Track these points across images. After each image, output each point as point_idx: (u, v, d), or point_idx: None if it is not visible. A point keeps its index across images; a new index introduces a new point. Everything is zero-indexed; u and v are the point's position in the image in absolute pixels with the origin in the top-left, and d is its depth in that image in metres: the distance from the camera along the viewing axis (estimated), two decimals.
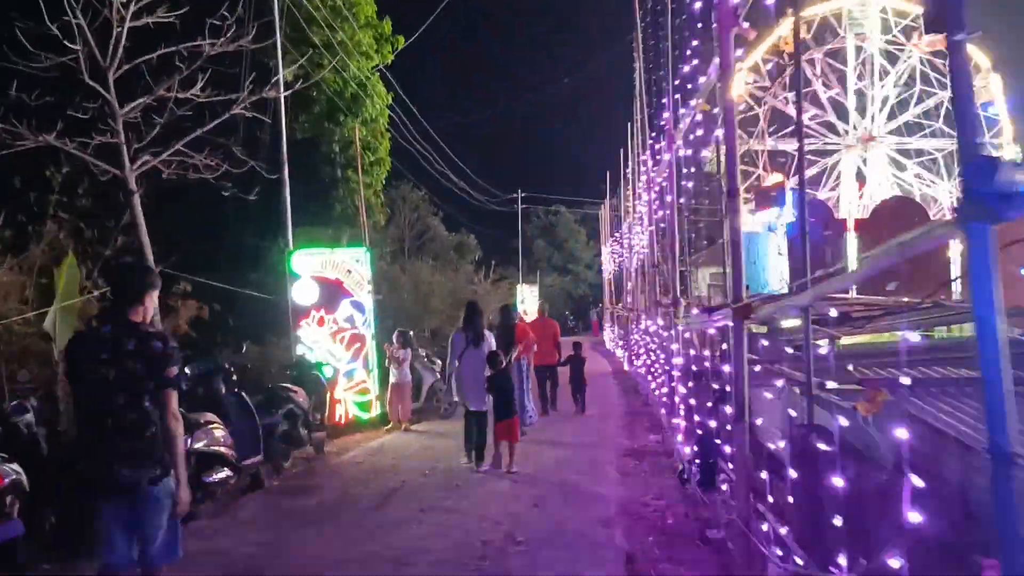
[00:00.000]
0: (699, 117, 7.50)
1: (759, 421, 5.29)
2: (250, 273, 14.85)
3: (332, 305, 12.93)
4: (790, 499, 4.20)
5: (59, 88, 9.64)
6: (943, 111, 21.43)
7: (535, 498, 7.92)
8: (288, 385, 9.87)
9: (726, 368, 5.45)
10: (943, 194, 22.04)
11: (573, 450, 10.64)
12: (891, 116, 22.78)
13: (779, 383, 5.01)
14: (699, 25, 7.02)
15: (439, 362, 14.97)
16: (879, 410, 3.74)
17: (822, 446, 3.70)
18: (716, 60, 5.63)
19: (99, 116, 9.88)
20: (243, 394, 8.36)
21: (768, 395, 5.13)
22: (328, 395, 11.50)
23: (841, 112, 22.73)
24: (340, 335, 12.96)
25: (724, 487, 6.15)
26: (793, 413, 4.36)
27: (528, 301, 36.73)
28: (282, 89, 12.60)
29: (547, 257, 54.07)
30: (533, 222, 55.44)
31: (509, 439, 9.01)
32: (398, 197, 36.25)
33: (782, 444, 4.55)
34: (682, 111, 8.30)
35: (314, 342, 12.71)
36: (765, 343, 5.73)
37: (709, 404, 6.58)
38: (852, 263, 11.07)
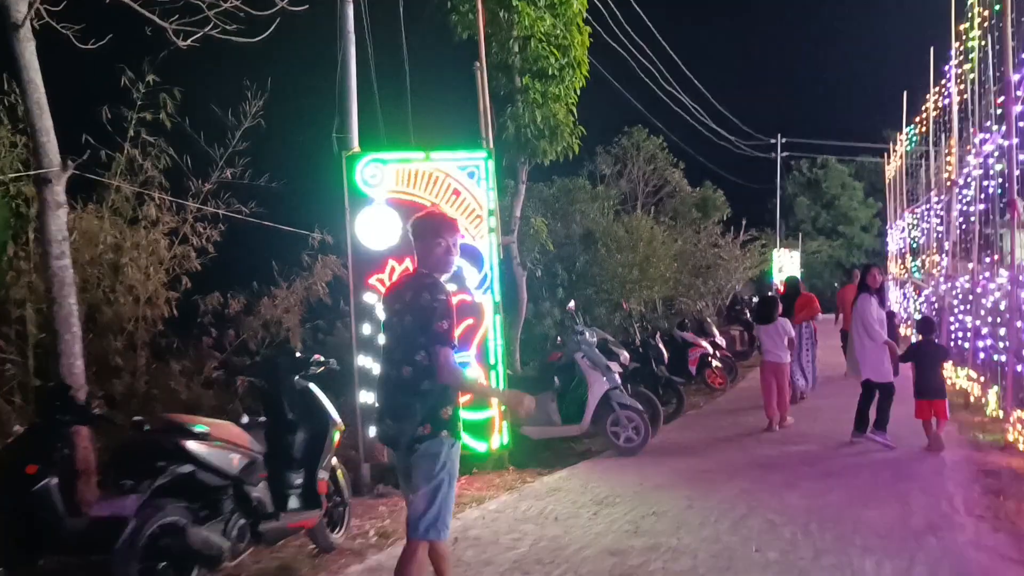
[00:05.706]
0: None
1: None
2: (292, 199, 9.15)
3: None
4: None
5: None
6: None
7: None
8: (195, 425, 4.12)
9: None
10: None
11: None
12: None
13: None
14: None
15: (626, 354, 8.82)
16: None
17: None
18: None
19: None
20: None
21: None
22: (339, 438, 5.40)
23: None
24: None
25: None
26: None
27: (787, 269, 29.18)
28: None
29: (811, 217, 45.01)
30: (793, 177, 46.48)
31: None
32: (630, 145, 30.29)
33: None
34: None
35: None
36: None
37: None
38: None
